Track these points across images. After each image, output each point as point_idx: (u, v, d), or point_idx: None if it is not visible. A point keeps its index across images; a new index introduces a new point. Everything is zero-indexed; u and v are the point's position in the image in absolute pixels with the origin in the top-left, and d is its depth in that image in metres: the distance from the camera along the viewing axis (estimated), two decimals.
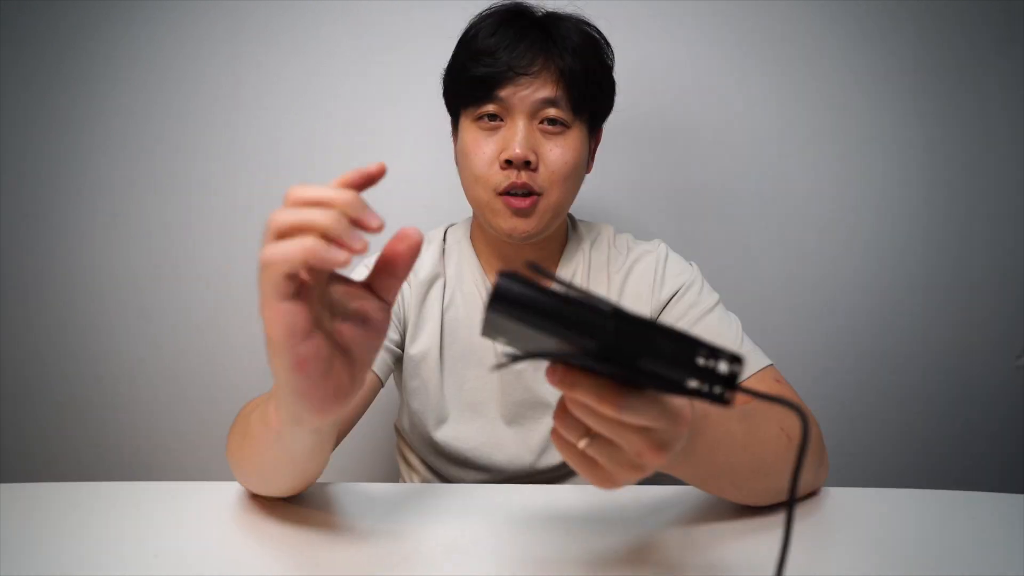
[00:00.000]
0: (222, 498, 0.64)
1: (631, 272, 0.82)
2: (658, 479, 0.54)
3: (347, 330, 0.40)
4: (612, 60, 0.78)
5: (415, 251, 0.39)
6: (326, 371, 0.38)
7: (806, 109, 1.12)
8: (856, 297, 1.17)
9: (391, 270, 0.40)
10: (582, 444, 0.39)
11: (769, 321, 1.16)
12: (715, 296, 0.79)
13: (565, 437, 0.40)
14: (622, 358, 0.31)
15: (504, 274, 0.31)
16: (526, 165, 0.71)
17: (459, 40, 0.76)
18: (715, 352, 0.31)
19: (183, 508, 0.62)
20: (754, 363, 0.72)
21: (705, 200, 1.15)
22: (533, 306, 0.30)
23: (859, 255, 1.15)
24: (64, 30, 1.12)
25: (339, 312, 0.40)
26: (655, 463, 0.38)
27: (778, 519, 0.59)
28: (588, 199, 1.15)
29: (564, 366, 0.35)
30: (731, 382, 0.31)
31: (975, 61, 1.09)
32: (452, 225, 0.89)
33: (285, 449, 0.50)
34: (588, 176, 1.15)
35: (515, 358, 0.33)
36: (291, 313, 0.36)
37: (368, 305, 0.40)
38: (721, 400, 0.32)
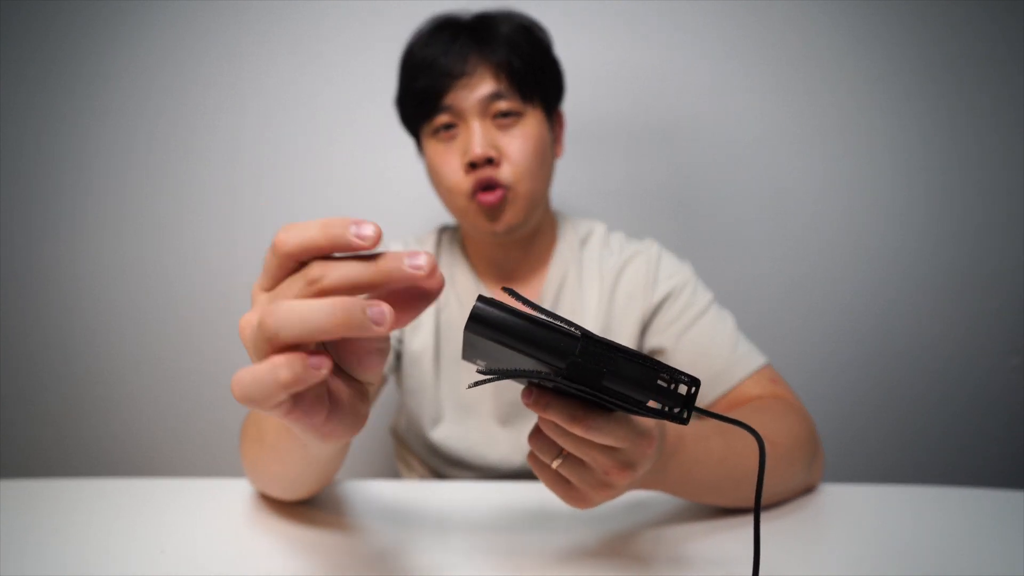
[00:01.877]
0: (227, 494, 0.64)
1: (623, 272, 0.82)
2: None
3: (345, 386, 0.34)
4: (549, 43, 0.79)
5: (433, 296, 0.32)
6: (329, 418, 0.33)
7: (804, 108, 1.13)
8: (853, 295, 1.17)
9: (410, 304, 0.33)
10: (555, 464, 0.42)
11: (766, 319, 1.17)
12: (708, 295, 0.79)
13: (540, 458, 0.42)
14: (588, 378, 0.33)
15: (482, 298, 0.33)
16: (489, 162, 0.72)
17: (400, 64, 0.77)
18: (675, 374, 0.34)
19: (189, 504, 0.62)
20: (750, 362, 0.72)
21: (702, 199, 1.16)
22: (507, 328, 0.32)
23: (856, 253, 1.16)
24: (64, 32, 1.13)
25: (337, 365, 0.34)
26: (622, 482, 0.41)
27: (783, 516, 0.60)
28: (583, 198, 1.16)
29: (538, 388, 0.37)
30: (690, 403, 0.34)
31: (974, 59, 1.10)
32: (445, 227, 0.89)
33: (310, 457, 0.51)
34: (584, 175, 1.16)
35: (489, 375, 0.35)
36: (299, 421, 0.31)
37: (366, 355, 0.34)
38: (679, 419, 0.34)
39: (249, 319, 0.31)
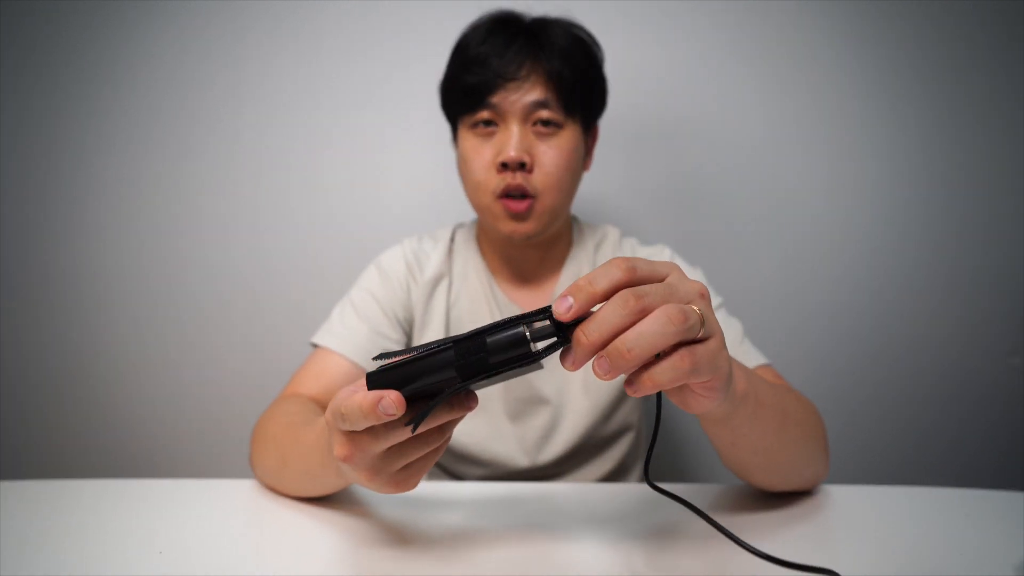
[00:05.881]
0: (225, 495, 0.64)
1: None
2: (661, 477, 0.54)
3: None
4: (602, 59, 0.80)
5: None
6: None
7: (805, 110, 1.13)
8: (853, 296, 1.17)
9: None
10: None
11: (766, 320, 1.17)
12: (717, 300, 0.80)
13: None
14: (479, 367, 0.36)
15: (369, 375, 0.39)
16: (521, 167, 0.73)
17: (452, 51, 0.78)
18: (531, 316, 0.37)
19: (187, 505, 0.62)
20: (751, 362, 0.73)
21: (705, 201, 1.16)
22: (400, 380, 0.38)
23: (857, 254, 1.16)
24: (62, 31, 1.13)
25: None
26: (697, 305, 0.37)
27: (784, 517, 0.60)
28: (589, 199, 1.16)
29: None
30: (560, 326, 0.36)
31: (975, 60, 1.10)
32: (461, 225, 0.90)
33: (344, 482, 0.56)
34: (588, 176, 1.16)
35: (420, 416, 0.38)
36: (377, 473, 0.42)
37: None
38: (566, 340, 0.36)
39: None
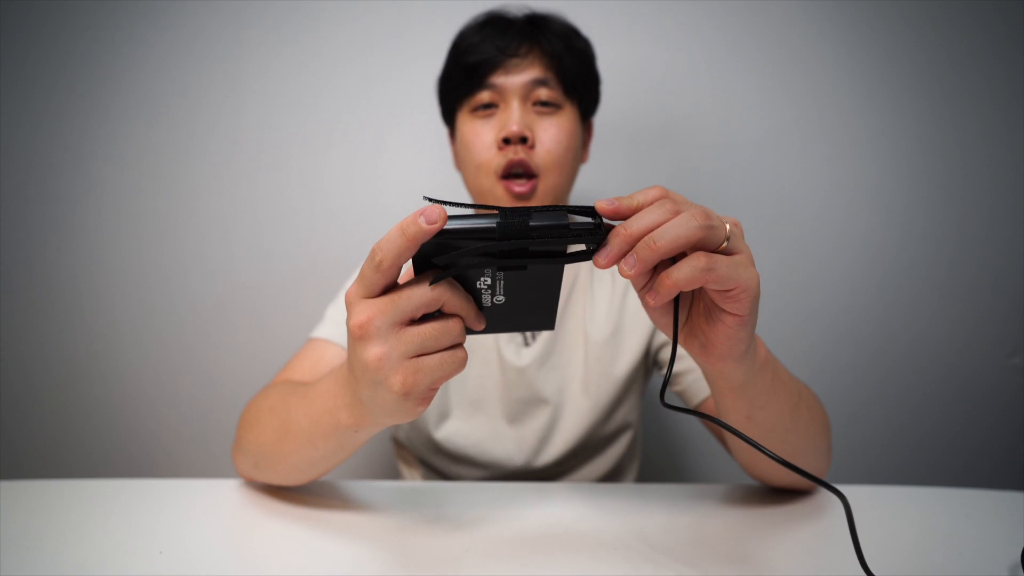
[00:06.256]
0: (225, 495, 0.64)
1: None
2: (659, 477, 0.54)
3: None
4: (594, 55, 0.82)
5: None
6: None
7: (804, 110, 1.13)
8: (853, 296, 1.17)
9: None
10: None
11: (766, 320, 1.17)
12: None
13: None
14: (518, 232, 0.38)
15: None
16: (523, 142, 0.73)
17: (450, 47, 0.80)
18: (580, 209, 0.39)
19: (188, 505, 0.62)
20: None
21: (705, 201, 1.15)
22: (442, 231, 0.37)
23: (857, 255, 1.16)
24: (62, 31, 1.13)
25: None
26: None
27: (785, 516, 0.60)
28: (588, 199, 1.16)
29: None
30: (600, 223, 0.39)
31: (975, 60, 1.10)
32: None
33: (352, 443, 0.52)
34: (589, 176, 1.16)
35: (445, 270, 0.39)
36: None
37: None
38: (602, 234, 0.39)
39: (361, 322, 0.40)
